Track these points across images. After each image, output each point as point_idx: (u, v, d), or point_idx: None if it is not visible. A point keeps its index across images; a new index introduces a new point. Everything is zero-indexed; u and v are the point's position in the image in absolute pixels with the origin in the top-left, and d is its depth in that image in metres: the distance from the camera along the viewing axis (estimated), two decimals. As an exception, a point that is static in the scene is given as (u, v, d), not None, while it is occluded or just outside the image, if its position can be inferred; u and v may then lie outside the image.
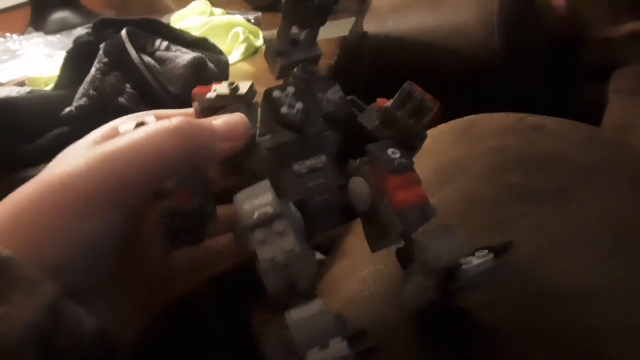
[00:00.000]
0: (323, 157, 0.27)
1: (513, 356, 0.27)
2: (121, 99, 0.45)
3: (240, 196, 0.24)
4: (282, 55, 0.28)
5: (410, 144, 0.27)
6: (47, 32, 1.02)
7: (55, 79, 0.55)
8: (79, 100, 0.47)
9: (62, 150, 0.27)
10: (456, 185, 0.38)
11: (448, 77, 0.82)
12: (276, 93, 0.27)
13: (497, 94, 0.79)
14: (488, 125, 0.42)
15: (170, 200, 0.24)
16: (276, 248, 0.22)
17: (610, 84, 0.91)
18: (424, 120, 0.27)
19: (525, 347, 0.27)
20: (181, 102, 0.46)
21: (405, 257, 0.27)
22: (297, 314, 0.21)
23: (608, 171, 0.36)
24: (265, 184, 0.24)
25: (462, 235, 0.27)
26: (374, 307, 0.33)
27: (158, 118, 0.29)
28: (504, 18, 0.85)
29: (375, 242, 0.28)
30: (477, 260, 0.24)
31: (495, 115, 0.43)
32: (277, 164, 0.27)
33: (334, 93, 0.28)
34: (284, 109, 0.26)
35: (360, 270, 0.36)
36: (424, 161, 0.43)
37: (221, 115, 0.26)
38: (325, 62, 0.61)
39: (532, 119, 0.42)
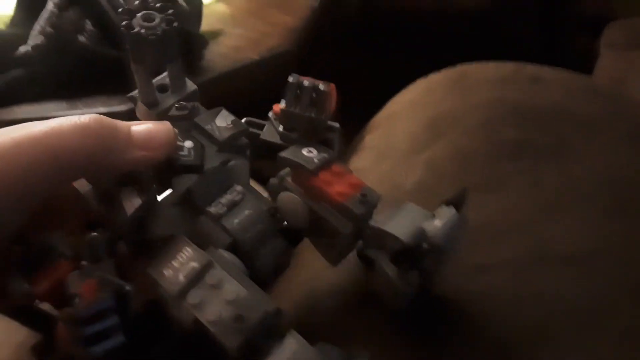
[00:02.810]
0: (238, 188, 0.24)
1: (508, 322, 0.25)
2: (81, 38, 0.41)
3: (155, 265, 0.20)
4: (154, 106, 0.25)
5: (323, 138, 0.25)
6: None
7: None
8: (34, 38, 0.42)
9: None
10: (448, 140, 0.35)
11: (436, 23, 0.78)
12: None
13: (487, 41, 0.76)
14: (483, 75, 0.39)
15: (74, 303, 0.19)
16: (218, 303, 0.19)
17: (602, 37, 0.88)
18: (325, 108, 0.25)
19: (520, 312, 0.25)
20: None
21: (366, 257, 0.24)
22: None
23: (607, 124, 0.34)
24: (179, 239, 0.21)
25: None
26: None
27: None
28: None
29: (332, 254, 0.25)
30: (440, 220, 0.22)
31: (491, 64, 0.40)
32: (192, 215, 0.24)
33: (223, 119, 0.25)
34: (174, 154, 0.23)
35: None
36: (415, 114, 0.40)
37: (146, 122, 0.23)
38: (311, 4, 0.56)
39: (530, 69, 0.39)
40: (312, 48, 0.56)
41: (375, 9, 0.78)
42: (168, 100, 0.25)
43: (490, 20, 0.81)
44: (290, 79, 0.25)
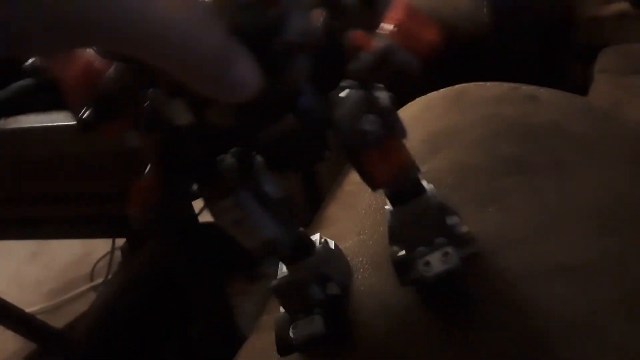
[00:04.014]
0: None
1: (505, 331, 0.25)
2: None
3: None
4: None
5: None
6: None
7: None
8: (44, 50, 0.43)
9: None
10: (447, 154, 0.36)
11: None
12: None
13: (485, 67, 0.78)
14: (481, 93, 0.41)
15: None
16: None
17: (596, 63, 0.90)
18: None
19: (517, 321, 0.26)
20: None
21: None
22: None
23: (604, 144, 0.35)
24: None
25: (453, 205, 0.26)
26: (358, 278, 0.32)
27: None
28: (494, -8, 0.83)
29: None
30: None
31: (489, 84, 0.42)
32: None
33: None
34: None
35: (343, 240, 0.35)
36: (414, 129, 0.41)
37: None
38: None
39: (526, 88, 0.40)
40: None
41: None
42: None
43: (489, 47, 0.82)
44: None
